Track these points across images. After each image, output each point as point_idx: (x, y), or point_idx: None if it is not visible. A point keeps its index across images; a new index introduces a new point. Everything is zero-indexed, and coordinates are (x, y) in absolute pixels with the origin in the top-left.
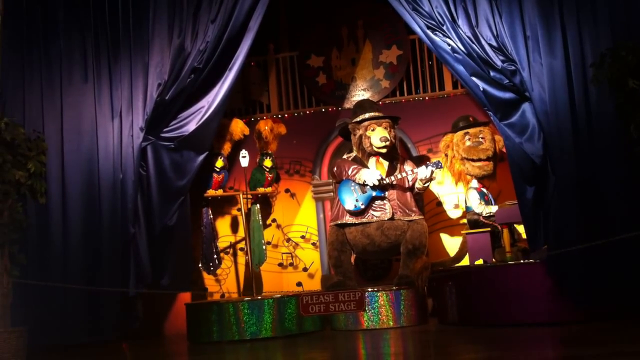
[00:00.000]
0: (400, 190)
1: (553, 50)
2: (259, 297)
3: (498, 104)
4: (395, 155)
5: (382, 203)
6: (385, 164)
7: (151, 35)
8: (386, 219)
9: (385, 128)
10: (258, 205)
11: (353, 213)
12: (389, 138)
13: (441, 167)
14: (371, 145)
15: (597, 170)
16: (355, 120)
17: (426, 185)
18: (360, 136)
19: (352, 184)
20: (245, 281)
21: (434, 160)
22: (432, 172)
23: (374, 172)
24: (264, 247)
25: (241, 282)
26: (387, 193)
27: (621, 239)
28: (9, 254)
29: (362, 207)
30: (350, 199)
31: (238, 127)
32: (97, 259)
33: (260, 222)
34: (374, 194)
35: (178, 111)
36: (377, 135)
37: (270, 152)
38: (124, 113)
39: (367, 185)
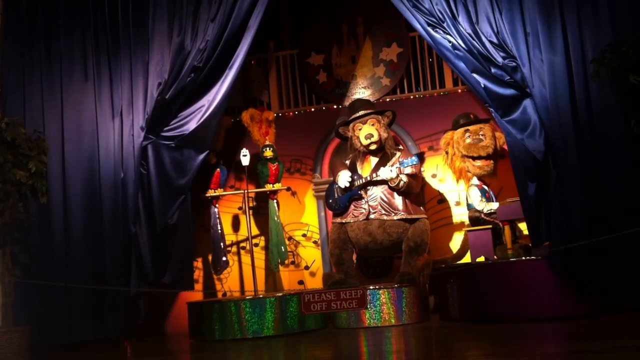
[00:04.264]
0: (388, 188)
1: (553, 46)
2: (261, 296)
3: (499, 101)
4: (391, 150)
5: (361, 202)
6: (374, 161)
7: (151, 34)
8: (362, 219)
9: (372, 124)
10: (276, 202)
11: (335, 213)
12: (373, 134)
13: (415, 162)
14: (361, 144)
15: (598, 166)
16: (339, 123)
17: (393, 185)
18: (351, 137)
19: (336, 186)
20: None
21: (410, 157)
22: (392, 171)
23: (345, 174)
24: (282, 247)
25: (244, 280)
26: (365, 192)
27: (624, 234)
28: (11, 253)
29: (340, 207)
30: (332, 200)
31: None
32: (98, 257)
33: (279, 220)
34: (351, 194)
35: (178, 110)
36: (363, 133)
37: (270, 143)
38: (125, 112)
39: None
